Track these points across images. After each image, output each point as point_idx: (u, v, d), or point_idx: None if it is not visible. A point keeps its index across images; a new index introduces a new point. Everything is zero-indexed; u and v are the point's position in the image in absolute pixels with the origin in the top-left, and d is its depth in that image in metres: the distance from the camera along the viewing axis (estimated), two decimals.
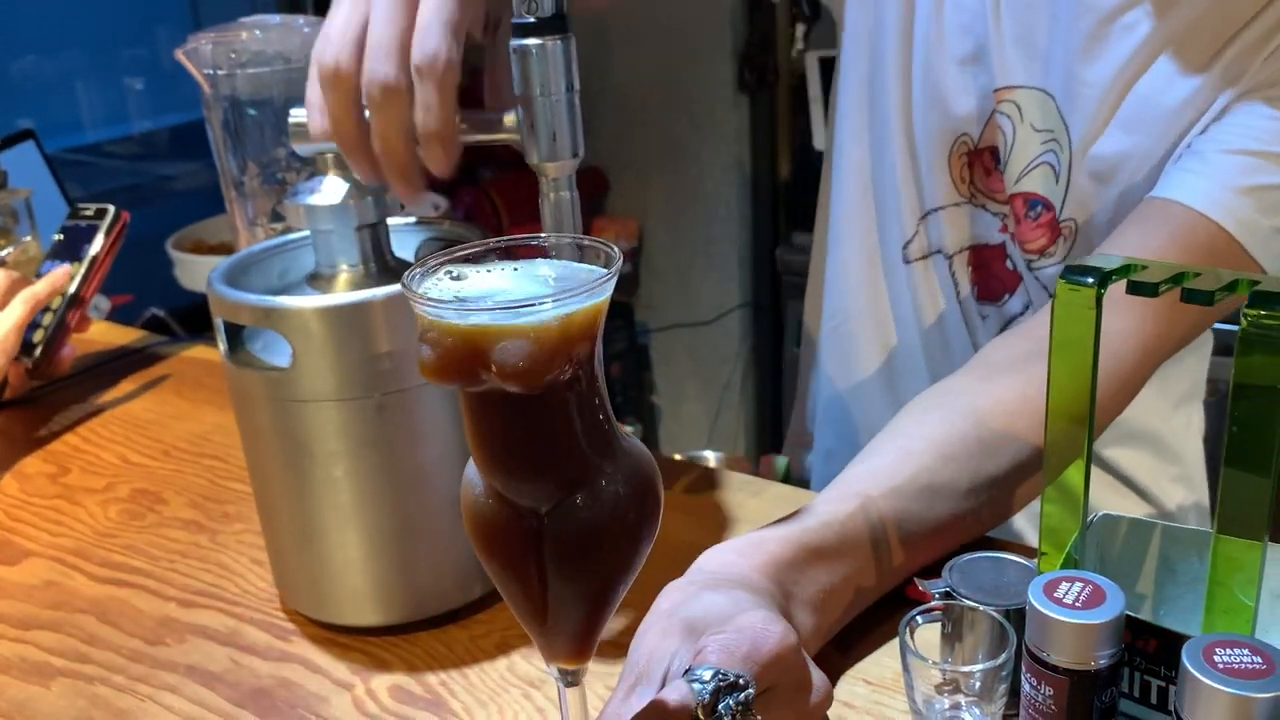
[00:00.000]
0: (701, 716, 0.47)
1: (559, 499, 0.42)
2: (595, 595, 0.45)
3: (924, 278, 0.97)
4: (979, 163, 0.89)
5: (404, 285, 0.41)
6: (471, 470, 0.45)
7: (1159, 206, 0.75)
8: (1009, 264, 0.91)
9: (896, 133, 0.93)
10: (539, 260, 0.44)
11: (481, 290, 0.42)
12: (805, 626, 0.59)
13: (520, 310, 0.39)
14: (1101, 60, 0.80)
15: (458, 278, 0.43)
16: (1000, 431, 0.69)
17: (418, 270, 0.42)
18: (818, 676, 0.54)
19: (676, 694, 0.47)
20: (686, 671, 0.48)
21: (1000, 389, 0.71)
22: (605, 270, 0.41)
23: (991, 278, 0.93)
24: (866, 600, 0.65)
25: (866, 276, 1.00)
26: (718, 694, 0.48)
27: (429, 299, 0.40)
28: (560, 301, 0.39)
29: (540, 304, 0.39)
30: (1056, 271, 0.76)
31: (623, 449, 0.44)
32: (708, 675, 0.48)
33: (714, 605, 0.53)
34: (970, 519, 0.69)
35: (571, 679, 0.48)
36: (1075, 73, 0.81)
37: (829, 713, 0.59)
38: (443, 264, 0.43)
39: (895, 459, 0.68)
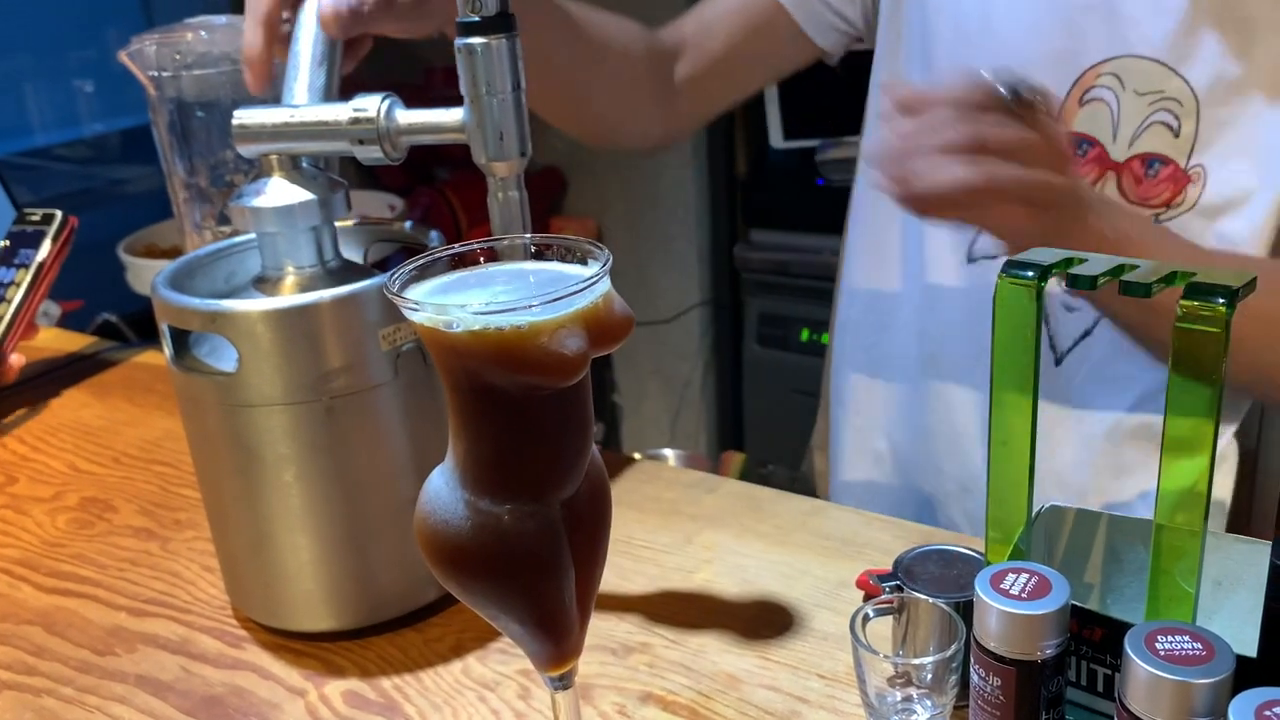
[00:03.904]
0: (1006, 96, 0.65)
1: (578, 487, 0.44)
2: (595, 581, 0.47)
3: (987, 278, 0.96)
4: None
5: (474, 313, 0.40)
6: (448, 498, 0.43)
7: None
8: None
9: None
10: (486, 266, 0.45)
11: (496, 286, 0.44)
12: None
13: (598, 281, 0.41)
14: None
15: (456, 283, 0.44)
16: None
17: (412, 279, 0.42)
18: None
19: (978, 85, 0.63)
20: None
21: None
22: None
23: None
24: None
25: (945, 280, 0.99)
26: (1015, 85, 0.66)
27: (566, 289, 0.39)
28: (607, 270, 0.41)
29: (603, 274, 0.41)
30: (1190, 219, 0.85)
31: None
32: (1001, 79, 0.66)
33: None
34: None
35: (566, 682, 0.48)
36: (1170, 30, 0.84)
37: (781, 708, 0.60)
38: (416, 280, 0.43)
39: None
